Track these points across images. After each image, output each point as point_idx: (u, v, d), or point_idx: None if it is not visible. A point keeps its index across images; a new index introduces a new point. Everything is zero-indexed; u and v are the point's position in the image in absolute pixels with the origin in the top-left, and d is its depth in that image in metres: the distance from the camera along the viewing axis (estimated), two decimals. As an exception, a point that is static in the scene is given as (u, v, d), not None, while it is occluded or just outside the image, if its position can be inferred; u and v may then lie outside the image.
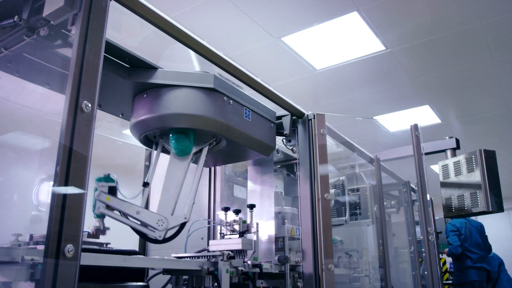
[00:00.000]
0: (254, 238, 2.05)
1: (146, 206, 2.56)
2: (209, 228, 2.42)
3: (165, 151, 1.95)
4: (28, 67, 1.64)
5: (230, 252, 1.84)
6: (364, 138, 7.05)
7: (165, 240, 1.75)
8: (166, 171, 1.82)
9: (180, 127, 1.81)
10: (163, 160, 1.90)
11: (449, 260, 8.08)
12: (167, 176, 1.81)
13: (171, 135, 1.83)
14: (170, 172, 1.82)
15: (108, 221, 1.65)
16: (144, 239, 1.79)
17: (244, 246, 1.96)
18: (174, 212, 1.77)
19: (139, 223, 1.69)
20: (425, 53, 5.04)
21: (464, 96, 6.26)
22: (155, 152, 1.95)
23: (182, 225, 1.79)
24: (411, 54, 5.08)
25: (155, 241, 1.73)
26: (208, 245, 2.23)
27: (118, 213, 1.65)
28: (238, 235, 2.05)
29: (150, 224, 1.69)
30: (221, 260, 1.80)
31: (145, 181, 1.80)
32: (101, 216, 1.62)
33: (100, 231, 1.61)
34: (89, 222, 1.63)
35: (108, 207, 1.62)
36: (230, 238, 2.04)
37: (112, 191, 1.63)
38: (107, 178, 1.64)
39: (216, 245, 2.02)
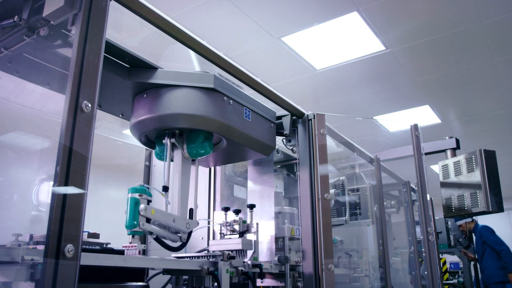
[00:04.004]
0: (254, 238, 2.05)
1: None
2: (209, 228, 2.42)
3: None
4: (28, 67, 1.64)
5: (230, 252, 1.84)
6: (364, 138, 7.04)
7: (181, 247, 1.77)
8: (181, 174, 1.81)
9: (197, 129, 1.81)
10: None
11: (449, 260, 8.10)
12: (183, 179, 1.81)
13: (196, 138, 1.82)
14: (184, 175, 1.83)
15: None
16: (167, 248, 1.75)
17: (244, 246, 1.96)
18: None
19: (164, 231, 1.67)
20: (425, 53, 5.04)
21: (464, 96, 6.26)
22: (154, 152, 1.95)
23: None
24: (411, 54, 5.08)
25: (175, 249, 1.74)
26: (208, 245, 2.23)
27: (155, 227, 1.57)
28: (238, 235, 2.05)
29: (181, 229, 1.70)
30: (221, 260, 1.80)
31: (164, 185, 1.77)
32: (139, 233, 1.51)
33: (136, 251, 1.47)
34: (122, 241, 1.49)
35: (148, 221, 1.51)
36: (230, 238, 2.04)
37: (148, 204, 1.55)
38: (146, 191, 1.54)
39: (216, 245, 2.02)
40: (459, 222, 7.17)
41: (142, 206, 1.49)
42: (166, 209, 1.73)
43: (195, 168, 1.93)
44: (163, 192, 1.74)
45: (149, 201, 1.54)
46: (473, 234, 7.06)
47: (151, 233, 1.59)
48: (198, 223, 1.82)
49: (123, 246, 1.49)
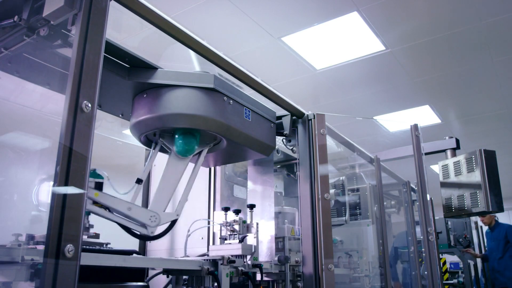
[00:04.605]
0: (254, 238, 2.05)
1: (146, 205, 2.57)
2: (209, 228, 2.42)
3: (162, 150, 1.94)
4: (28, 67, 1.64)
5: (230, 256, 1.84)
6: (364, 138, 7.05)
7: (155, 237, 1.74)
8: (164, 169, 1.82)
9: (186, 127, 1.80)
10: (165, 159, 1.89)
11: (449, 260, 8.10)
12: (164, 174, 1.81)
13: (177, 135, 1.83)
14: (168, 171, 1.82)
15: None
16: (133, 236, 1.74)
17: (244, 251, 1.96)
18: (169, 210, 1.77)
19: (126, 220, 1.64)
20: (425, 53, 5.04)
21: (464, 96, 6.26)
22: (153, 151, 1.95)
23: (173, 222, 1.78)
24: (411, 54, 5.08)
25: (145, 238, 1.71)
26: (207, 249, 2.23)
27: (105, 210, 1.57)
28: (238, 237, 2.04)
29: (142, 221, 1.67)
30: (221, 264, 1.79)
31: (139, 177, 1.77)
32: (86, 213, 1.54)
33: (84, 228, 1.53)
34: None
35: (95, 203, 1.54)
36: (230, 243, 2.04)
37: (99, 187, 1.56)
38: (94, 174, 1.56)
39: (216, 251, 2.02)
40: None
41: None
42: (134, 200, 1.70)
43: (193, 166, 1.93)
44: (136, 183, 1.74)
45: (98, 184, 1.55)
46: (488, 230, 6.83)
47: (102, 216, 1.58)
48: (177, 216, 1.78)
49: None
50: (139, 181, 1.76)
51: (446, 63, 5.30)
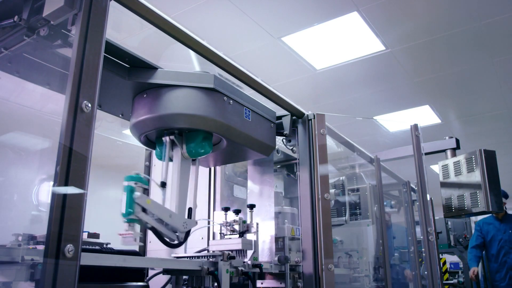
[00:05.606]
0: (254, 238, 2.05)
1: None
2: (209, 228, 2.42)
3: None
4: (28, 67, 1.64)
5: (230, 252, 1.84)
6: (364, 138, 7.04)
7: (179, 244, 1.77)
8: (180, 173, 1.81)
9: (196, 129, 1.80)
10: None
11: (449, 260, 8.10)
12: (182, 178, 1.81)
13: (195, 137, 1.82)
14: (183, 174, 1.82)
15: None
16: (168, 245, 1.75)
17: (244, 246, 1.96)
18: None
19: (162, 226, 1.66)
20: (425, 53, 5.04)
21: (464, 96, 6.26)
22: (154, 152, 1.95)
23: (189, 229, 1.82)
24: (411, 54, 5.08)
25: (174, 246, 1.74)
26: (208, 245, 2.23)
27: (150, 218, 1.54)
28: (238, 235, 2.05)
29: (177, 227, 1.69)
30: (221, 260, 1.80)
31: (162, 181, 1.77)
32: (135, 221, 1.48)
33: (132, 239, 1.45)
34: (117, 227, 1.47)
35: (144, 210, 1.47)
36: (230, 238, 2.04)
37: (145, 193, 1.53)
38: (141, 179, 1.51)
39: (216, 245, 2.02)
40: None
41: (137, 193, 1.46)
42: (163, 204, 1.73)
43: (195, 168, 1.93)
44: (161, 187, 1.76)
45: (145, 190, 1.51)
46: (491, 220, 6.56)
47: (146, 224, 1.56)
48: (196, 223, 1.81)
49: (119, 234, 1.45)
50: (163, 184, 1.76)
51: (446, 63, 5.30)
